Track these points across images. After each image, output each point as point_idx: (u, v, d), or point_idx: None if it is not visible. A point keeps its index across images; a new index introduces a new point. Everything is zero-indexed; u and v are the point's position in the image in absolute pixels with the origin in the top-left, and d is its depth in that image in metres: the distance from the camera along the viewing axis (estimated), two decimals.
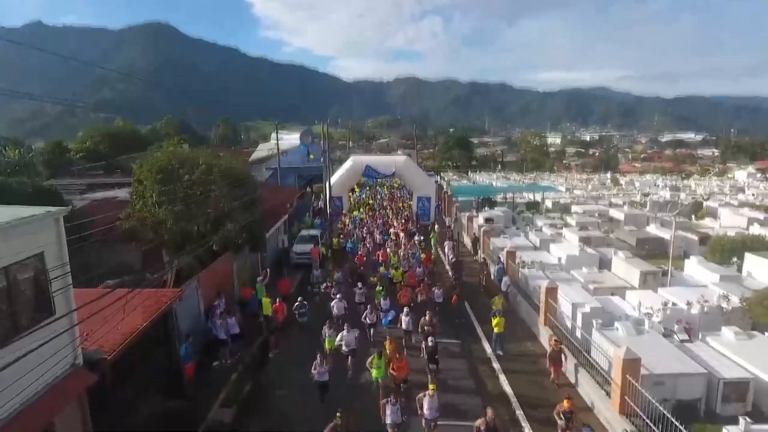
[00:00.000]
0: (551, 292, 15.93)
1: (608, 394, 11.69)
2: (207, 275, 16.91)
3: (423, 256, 24.74)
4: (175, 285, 16.28)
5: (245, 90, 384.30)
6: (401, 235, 30.90)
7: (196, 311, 15.95)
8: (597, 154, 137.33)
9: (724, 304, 15.35)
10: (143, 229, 17.48)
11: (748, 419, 9.13)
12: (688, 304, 15.36)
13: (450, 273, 24.50)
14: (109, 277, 17.09)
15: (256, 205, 20.01)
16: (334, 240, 29.54)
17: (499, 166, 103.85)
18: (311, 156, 40.45)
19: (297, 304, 17.23)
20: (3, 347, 7.44)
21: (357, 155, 45.07)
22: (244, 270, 20.49)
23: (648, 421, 9.94)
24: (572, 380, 13.78)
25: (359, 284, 19.45)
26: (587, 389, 12.83)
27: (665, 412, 9.29)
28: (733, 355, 12.51)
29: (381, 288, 19.37)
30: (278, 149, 39.59)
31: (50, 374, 8.36)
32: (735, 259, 22.25)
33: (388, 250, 26.41)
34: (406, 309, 16.46)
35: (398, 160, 40.77)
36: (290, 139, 51.84)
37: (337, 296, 17.63)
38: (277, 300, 17.24)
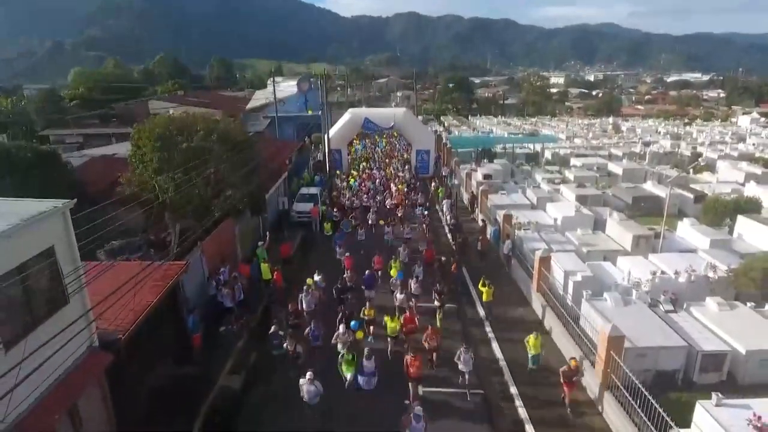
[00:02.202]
0: (544, 261, 16.42)
1: (593, 364, 12.43)
2: (210, 242, 17.33)
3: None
4: (178, 249, 16.77)
5: (239, 26, 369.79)
6: (399, 213, 26.52)
7: (201, 279, 16.50)
8: (600, 95, 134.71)
9: (710, 274, 15.87)
10: (144, 193, 17.61)
11: (720, 394, 9.77)
12: (676, 273, 15.89)
13: (449, 238, 24.56)
14: (112, 239, 17.55)
15: (257, 171, 20.05)
16: (326, 225, 24.69)
17: (500, 113, 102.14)
18: (310, 111, 39.85)
19: (271, 332, 13.68)
20: (23, 339, 7.92)
21: (356, 108, 44.35)
22: (246, 234, 20.90)
23: (627, 394, 10.69)
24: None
25: (341, 326, 13.60)
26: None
27: (642, 389, 9.97)
28: (714, 327, 13.13)
29: (349, 355, 12.64)
30: (275, 100, 39.00)
31: (69, 359, 8.90)
32: (728, 220, 22.68)
33: (385, 236, 23.04)
34: (418, 406, 9.97)
35: (397, 113, 40.27)
36: (287, 86, 50.91)
37: (308, 374, 11.20)
38: (277, 268, 17.63)
